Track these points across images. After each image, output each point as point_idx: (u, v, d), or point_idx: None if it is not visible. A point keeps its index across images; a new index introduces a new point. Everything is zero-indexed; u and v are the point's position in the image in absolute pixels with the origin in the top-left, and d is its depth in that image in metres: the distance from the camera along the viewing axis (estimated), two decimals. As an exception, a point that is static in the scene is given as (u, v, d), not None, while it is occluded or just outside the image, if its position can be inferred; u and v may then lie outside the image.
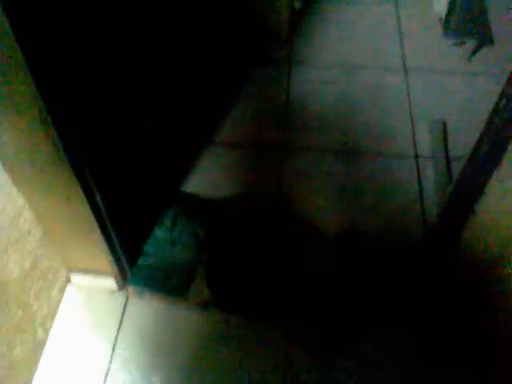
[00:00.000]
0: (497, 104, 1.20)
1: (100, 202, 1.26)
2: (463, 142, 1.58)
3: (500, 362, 1.30)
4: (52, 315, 1.53)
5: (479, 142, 1.32)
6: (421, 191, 1.83)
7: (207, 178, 1.89)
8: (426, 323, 1.49)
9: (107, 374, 1.43)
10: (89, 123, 1.16)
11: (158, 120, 1.69)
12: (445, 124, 2.03)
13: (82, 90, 1.11)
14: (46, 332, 1.50)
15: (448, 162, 1.89)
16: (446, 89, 2.17)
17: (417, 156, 1.95)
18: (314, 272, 1.58)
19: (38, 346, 1.46)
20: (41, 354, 1.47)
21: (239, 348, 1.47)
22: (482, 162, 1.30)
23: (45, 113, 1.01)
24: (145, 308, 1.55)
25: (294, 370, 1.43)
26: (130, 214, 1.47)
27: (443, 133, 2.01)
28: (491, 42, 2.18)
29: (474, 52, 2.25)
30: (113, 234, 1.38)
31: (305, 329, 1.50)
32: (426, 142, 2.00)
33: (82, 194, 1.20)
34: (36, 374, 1.44)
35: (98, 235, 1.32)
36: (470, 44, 2.25)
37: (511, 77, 1.14)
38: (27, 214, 1.35)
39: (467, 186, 1.40)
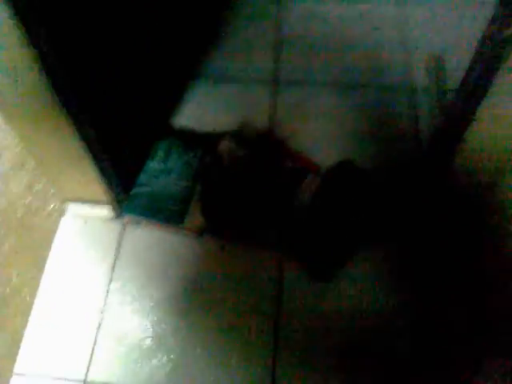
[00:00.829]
0: (488, 26, 1.19)
1: (90, 131, 1.27)
2: (460, 76, 1.56)
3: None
4: (49, 243, 1.57)
5: (470, 68, 1.31)
6: (416, 123, 1.83)
7: (199, 111, 1.88)
8: (416, 243, 1.54)
9: (106, 297, 1.50)
10: (75, 47, 1.15)
11: (148, 47, 1.66)
12: (441, 56, 2.00)
13: (65, 11, 1.09)
14: (44, 259, 1.55)
15: (444, 94, 1.88)
16: (445, 21, 2.12)
17: (412, 88, 1.93)
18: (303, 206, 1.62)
19: (36, 273, 1.52)
20: (39, 281, 1.52)
21: (233, 273, 1.53)
22: (473, 88, 1.30)
23: (26, 37, 0.99)
24: (141, 235, 1.59)
25: (287, 294, 1.49)
26: (122, 143, 1.48)
27: (439, 65, 1.98)
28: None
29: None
30: (105, 162, 1.39)
31: (296, 255, 1.54)
32: (422, 74, 1.98)
33: (71, 123, 1.21)
34: (36, 299, 1.49)
35: (89, 163, 1.34)
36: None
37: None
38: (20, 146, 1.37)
39: (457, 113, 1.41)
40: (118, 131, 1.45)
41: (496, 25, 1.18)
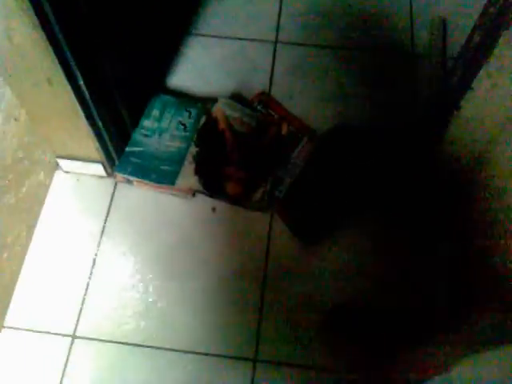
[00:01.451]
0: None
1: (83, 85, 1.25)
2: (463, 42, 1.54)
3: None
4: (41, 199, 1.57)
5: (471, 34, 1.28)
6: (415, 88, 1.81)
7: (197, 70, 1.85)
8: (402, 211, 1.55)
9: (96, 254, 1.51)
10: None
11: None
12: (445, 22, 1.96)
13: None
14: (36, 214, 1.56)
15: (445, 61, 1.84)
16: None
17: (414, 53, 1.90)
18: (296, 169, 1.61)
19: (28, 228, 1.52)
20: (31, 236, 1.53)
21: (223, 234, 1.54)
22: (472, 56, 1.27)
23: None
24: (133, 194, 1.60)
25: (275, 256, 1.51)
26: (115, 101, 1.46)
27: (442, 31, 1.94)
28: None
29: None
30: (98, 120, 1.38)
31: (286, 217, 1.55)
32: (424, 39, 1.94)
33: (63, 77, 1.19)
34: (27, 253, 1.51)
35: (82, 120, 1.33)
36: None
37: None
38: (13, 100, 1.35)
39: (456, 80, 1.39)
40: (113, 87, 1.43)
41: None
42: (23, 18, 1.05)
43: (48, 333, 1.41)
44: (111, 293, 1.46)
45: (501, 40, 1.17)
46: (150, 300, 1.44)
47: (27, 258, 1.50)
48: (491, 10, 1.20)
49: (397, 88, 1.82)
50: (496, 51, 1.19)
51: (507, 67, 1.18)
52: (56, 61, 1.16)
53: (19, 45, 1.12)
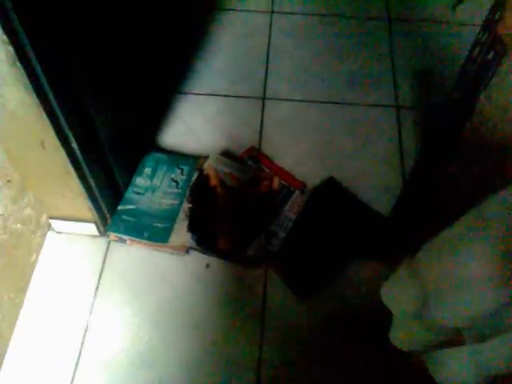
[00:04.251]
0: (470, 51, 1.21)
1: (76, 148, 1.27)
2: (446, 93, 1.59)
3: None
4: (33, 260, 1.56)
5: (453, 89, 1.33)
6: (400, 141, 1.85)
7: (188, 128, 1.89)
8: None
9: (90, 315, 1.48)
10: (60, 65, 1.15)
11: (134, 61, 1.67)
12: (428, 74, 2.03)
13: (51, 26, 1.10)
14: (28, 276, 1.53)
15: (430, 113, 1.90)
16: (431, 38, 2.16)
17: (398, 106, 1.96)
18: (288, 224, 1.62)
19: (19, 291, 1.50)
20: (22, 299, 1.50)
21: (218, 292, 1.53)
22: (455, 111, 1.32)
23: (13, 56, 1.00)
24: (126, 253, 1.58)
25: (271, 314, 1.49)
26: (107, 160, 1.47)
27: (426, 83, 2.01)
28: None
29: (459, 1, 2.22)
30: (90, 180, 1.38)
31: (281, 272, 1.54)
32: (407, 91, 2.00)
33: (56, 140, 1.21)
34: (18, 319, 1.47)
35: (74, 180, 1.33)
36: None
37: (484, 24, 1.14)
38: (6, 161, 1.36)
39: (442, 133, 1.42)
40: (105, 147, 1.45)
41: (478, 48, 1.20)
42: (17, 84, 1.07)
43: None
44: (104, 356, 1.42)
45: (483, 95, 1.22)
46: (143, 361, 1.40)
47: (18, 322, 1.47)
48: (469, 67, 1.26)
49: (382, 140, 1.86)
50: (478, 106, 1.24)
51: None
52: (49, 124, 1.17)
53: (13, 110, 1.14)
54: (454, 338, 0.91)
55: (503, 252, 0.75)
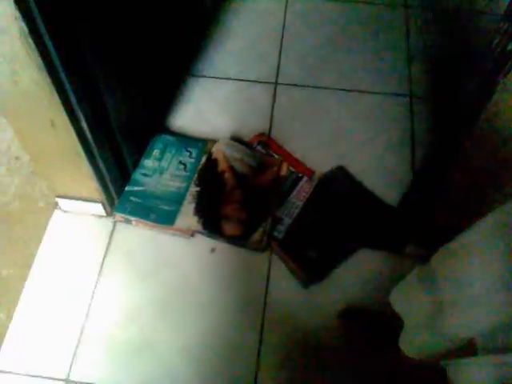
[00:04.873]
0: (490, 42, 1.18)
1: (85, 128, 1.26)
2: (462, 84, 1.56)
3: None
4: (39, 238, 1.56)
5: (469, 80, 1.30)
6: (412, 130, 1.83)
7: (198, 111, 1.88)
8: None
9: (93, 294, 1.49)
10: (72, 43, 1.14)
11: (146, 41, 1.65)
12: (442, 64, 2.00)
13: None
14: (33, 253, 1.54)
15: (443, 104, 1.87)
16: (448, 27, 2.12)
17: (411, 95, 1.93)
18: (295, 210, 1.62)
19: (25, 268, 1.51)
20: (27, 275, 1.51)
21: (223, 273, 1.53)
22: (470, 101, 1.29)
23: (25, 32, 0.99)
24: (132, 234, 1.58)
25: (275, 296, 1.49)
26: (116, 141, 1.47)
27: (440, 73, 1.98)
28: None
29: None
30: (99, 160, 1.38)
31: (288, 256, 1.54)
32: (422, 81, 1.97)
33: (66, 119, 1.20)
34: (22, 294, 1.48)
35: (83, 161, 1.33)
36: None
37: (505, 14, 1.11)
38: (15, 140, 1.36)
39: (453, 128, 1.41)
40: (115, 128, 1.44)
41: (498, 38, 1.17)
42: (28, 61, 1.06)
43: (40, 377, 1.37)
44: (106, 335, 1.43)
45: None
46: (146, 343, 1.41)
47: (21, 297, 1.48)
48: (488, 57, 1.23)
49: (394, 129, 1.84)
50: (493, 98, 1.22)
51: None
52: (60, 103, 1.17)
53: (24, 88, 1.13)
54: (467, 348, 0.91)
55: None
